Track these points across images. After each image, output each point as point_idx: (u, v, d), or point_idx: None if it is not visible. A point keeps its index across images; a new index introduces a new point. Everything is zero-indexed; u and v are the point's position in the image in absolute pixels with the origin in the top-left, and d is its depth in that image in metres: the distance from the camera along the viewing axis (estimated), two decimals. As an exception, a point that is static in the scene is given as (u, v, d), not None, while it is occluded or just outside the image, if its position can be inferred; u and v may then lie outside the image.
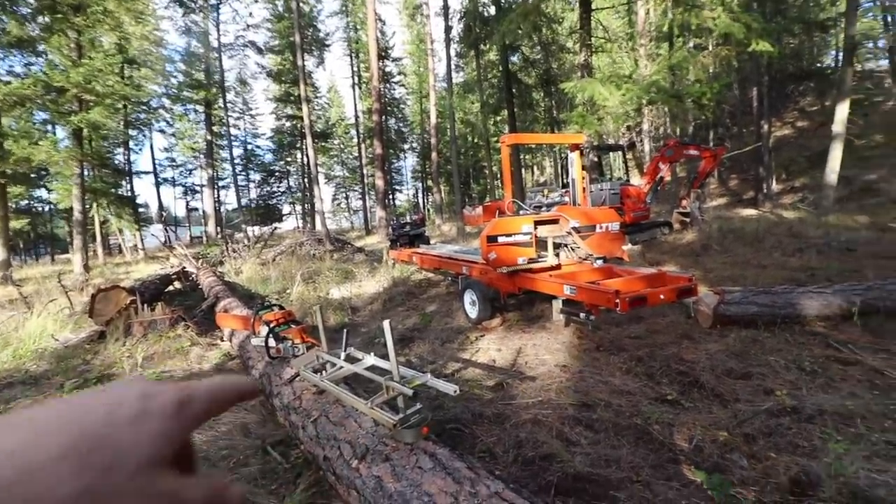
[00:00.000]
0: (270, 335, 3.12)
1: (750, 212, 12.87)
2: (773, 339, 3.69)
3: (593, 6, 12.72)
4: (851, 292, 3.95)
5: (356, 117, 33.32)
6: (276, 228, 21.81)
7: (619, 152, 11.61)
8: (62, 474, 0.23)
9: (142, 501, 0.25)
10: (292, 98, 30.69)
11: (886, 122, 16.02)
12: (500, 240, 4.33)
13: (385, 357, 2.37)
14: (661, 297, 3.64)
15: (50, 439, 0.24)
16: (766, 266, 6.30)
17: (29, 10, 13.42)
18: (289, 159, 38.00)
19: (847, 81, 10.42)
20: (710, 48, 12.94)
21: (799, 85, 21.86)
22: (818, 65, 23.86)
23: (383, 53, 30.43)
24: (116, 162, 27.45)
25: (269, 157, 37.64)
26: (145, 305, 5.60)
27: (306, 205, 35.95)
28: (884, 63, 21.49)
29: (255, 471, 2.43)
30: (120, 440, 0.26)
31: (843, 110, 10.21)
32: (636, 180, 11.39)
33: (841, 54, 13.87)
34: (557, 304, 4.28)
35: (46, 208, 32.46)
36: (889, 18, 21.90)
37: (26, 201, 29.37)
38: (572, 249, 4.70)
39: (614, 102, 9.46)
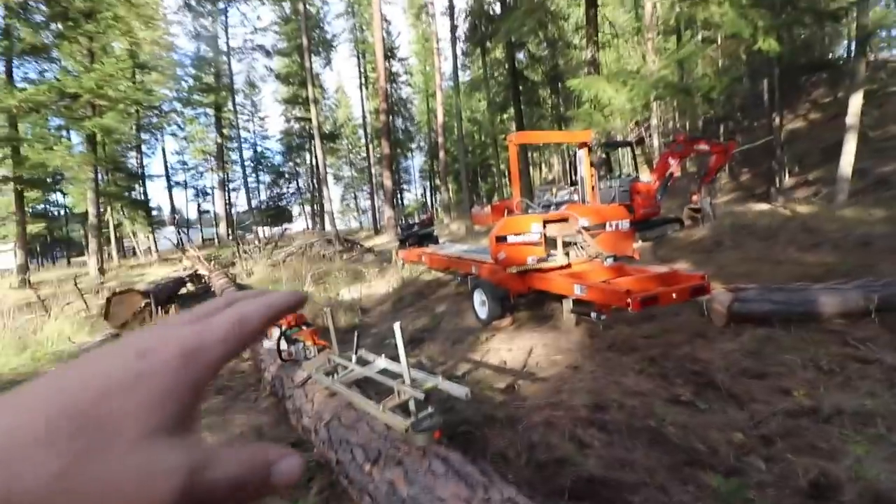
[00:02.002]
0: (282, 338, 3.14)
1: (762, 206, 12.65)
2: (788, 338, 3.63)
3: (599, 2, 12.62)
4: (869, 289, 3.86)
5: (363, 117, 33.41)
6: (286, 230, 22.02)
7: (628, 148, 11.50)
8: (38, 458, 0.20)
9: (145, 481, 0.21)
10: (300, 100, 30.86)
11: (902, 112, 15.68)
12: (510, 239, 4.31)
13: (396, 358, 2.38)
14: (674, 295, 3.60)
15: (29, 420, 0.21)
16: (780, 262, 6.19)
17: (42, 18, 13.64)
18: (298, 160, 38.25)
19: (860, 72, 10.18)
20: (720, 41, 12.74)
21: (811, 76, 21.42)
22: (830, 55, 23.38)
23: (389, 53, 30.46)
24: (130, 166, 27.85)
25: (278, 158, 37.91)
26: (159, 308, 5.69)
27: (315, 206, 36.18)
28: (898, 52, 21.02)
29: (268, 474, 2.44)
30: (109, 412, 0.22)
31: (856, 101, 9.98)
32: (645, 176, 11.26)
33: (853, 44, 13.59)
34: (568, 304, 4.26)
35: (62, 212, 33.05)
36: (903, 6, 21.40)
37: (42, 206, 29.90)
38: (582, 248, 4.66)
39: (620, 100, 9.37)
